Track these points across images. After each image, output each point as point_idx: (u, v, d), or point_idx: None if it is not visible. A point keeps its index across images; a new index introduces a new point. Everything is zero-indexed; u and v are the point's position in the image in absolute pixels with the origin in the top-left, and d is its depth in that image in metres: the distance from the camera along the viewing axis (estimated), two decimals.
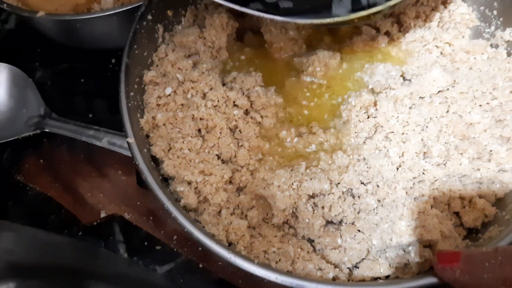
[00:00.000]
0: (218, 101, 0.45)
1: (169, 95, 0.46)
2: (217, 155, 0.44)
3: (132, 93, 0.44)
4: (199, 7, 0.53)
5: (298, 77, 0.50)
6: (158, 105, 0.46)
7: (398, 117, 0.44)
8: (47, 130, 0.57)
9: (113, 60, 0.64)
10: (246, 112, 0.46)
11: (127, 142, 0.42)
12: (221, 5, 0.54)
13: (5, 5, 0.53)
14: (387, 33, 0.51)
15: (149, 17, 0.48)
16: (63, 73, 0.65)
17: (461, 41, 0.50)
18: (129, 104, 0.43)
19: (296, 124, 0.47)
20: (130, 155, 0.43)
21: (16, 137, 0.57)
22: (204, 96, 0.46)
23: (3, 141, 0.57)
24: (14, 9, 0.53)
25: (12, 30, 0.69)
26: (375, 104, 0.45)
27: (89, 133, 0.56)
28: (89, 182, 0.55)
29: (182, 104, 0.46)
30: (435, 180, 0.42)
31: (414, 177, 0.41)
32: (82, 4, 0.55)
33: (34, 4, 0.56)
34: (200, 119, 0.44)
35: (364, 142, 0.44)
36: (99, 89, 0.63)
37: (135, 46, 0.46)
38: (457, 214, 0.41)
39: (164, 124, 0.45)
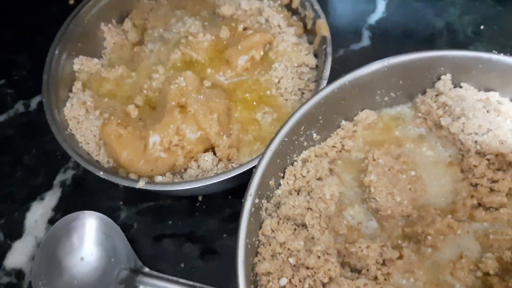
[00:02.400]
0: None
1: (285, 287, 0.42)
2: None
3: None
4: (296, 165, 0.49)
5: (418, 247, 0.45)
6: None
7: None
8: None
9: (199, 198, 0.61)
10: None
11: None
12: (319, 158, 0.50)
13: (101, 173, 0.50)
14: None
15: (256, 199, 0.44)
16: (149, 213, 0.62)
17: None
18: None
19: None
20: None
21: None
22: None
23: None
24: (111, 178, 0.50)
25: None
26: None
27: None
28: None
29: None
30: None
31: None
32: (180, 164, 0.52)
33: (126, 162, 0.52)
34: None
35: None
36: (188, 232, 0.59)
37: (248, 241, 0.42)
38: None
39: None
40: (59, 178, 0.66)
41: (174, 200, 0.61)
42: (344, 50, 0.71)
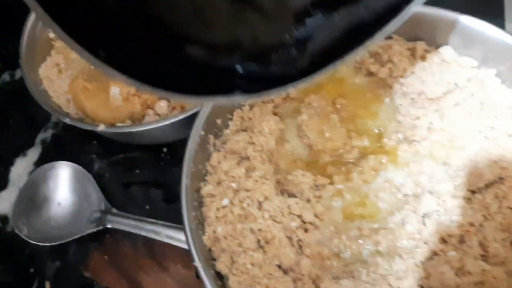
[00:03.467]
0: (274, 211, 0.44)
1: (226, 206, 0.46)
2: (277, 265, 0.43)
3: (192, 211, 0.44)
4: (244, 108, 0.53)
5: (347, 175, 0.49)
6: (217, 217, 0.45)
7: (452, 219, 0.43)
8: (109, 226, 0.58)
9: (164, 149, 0.65)
10: (304, 221, 0.45)
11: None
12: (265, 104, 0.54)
13: (67, 119, 0.54)
14: None
15: (202, 132, 0.48)
16: (119, 164, 0.66)
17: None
18: (192, 226, 0.43)
19: (346, 226, 0.46)
20: (188, 248, 0.42)
21: (82, 234, 0.58)
22: (260, 205, 0.45)
23: (70, 239, 0.58)
24: (75, 123, 0.54)
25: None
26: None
27: (148, 227, 0.56)
28: (152, 277, 0.55)
29: (239, 215, 0.45)
30: (495, 278, 0.40)
31: (475, 282, 0.40)
32: (138, 112, 0.56)
33: (92, 113, 0.57)
34: (259, 230, 0.44)
35: (418, 246, 0.43)
36: (153, 179, 0.63)
37: (192, 165, 0.46)
38: None
39: (225, 237, 0.44)
40: (40, 136, 0.70)
41: (142, 152, 0.65)
42: None
